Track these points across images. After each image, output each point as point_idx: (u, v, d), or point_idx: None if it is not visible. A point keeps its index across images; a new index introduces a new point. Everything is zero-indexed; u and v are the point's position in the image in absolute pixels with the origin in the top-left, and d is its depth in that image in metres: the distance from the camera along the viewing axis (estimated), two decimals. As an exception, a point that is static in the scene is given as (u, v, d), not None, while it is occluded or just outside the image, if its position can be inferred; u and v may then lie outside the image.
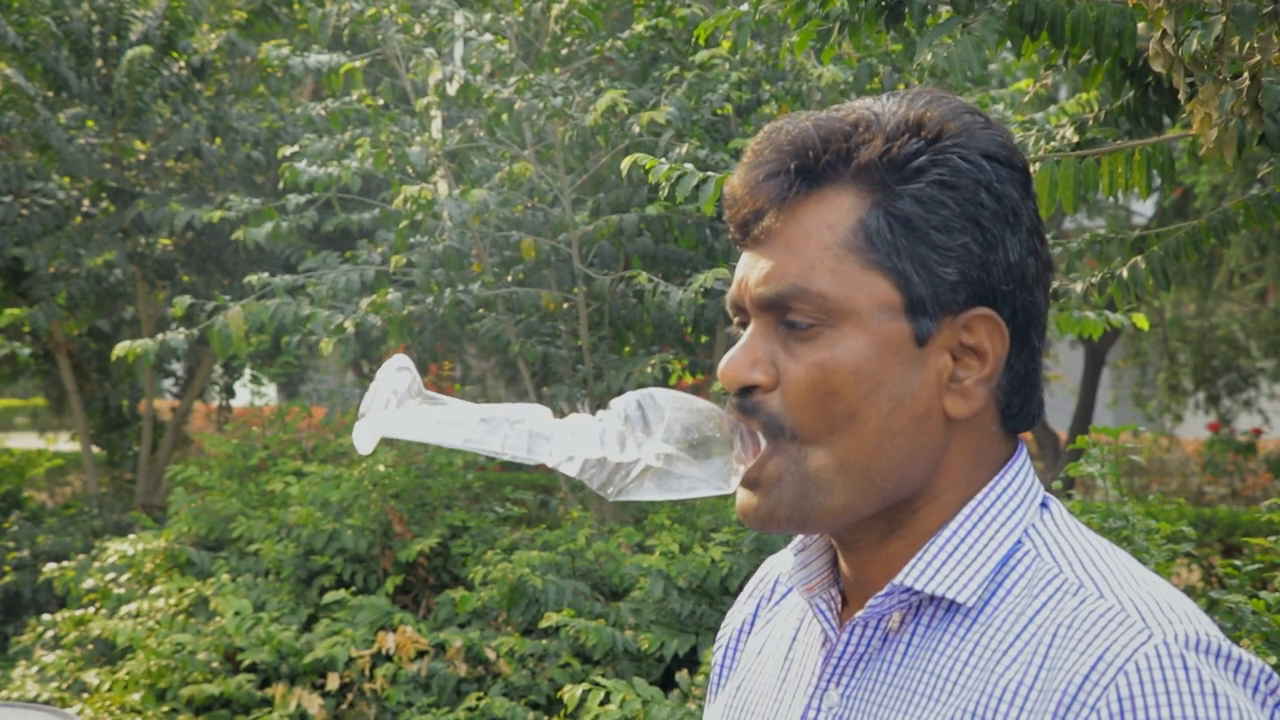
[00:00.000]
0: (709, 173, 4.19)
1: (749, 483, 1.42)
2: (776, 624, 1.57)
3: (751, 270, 1.42)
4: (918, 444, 1.38)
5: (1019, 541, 1.39)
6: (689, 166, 4.22)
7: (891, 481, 1.38)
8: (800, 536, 1.51)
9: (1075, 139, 4.22)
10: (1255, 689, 1.27)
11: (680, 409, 1.40)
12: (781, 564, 1.63)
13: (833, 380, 1.36)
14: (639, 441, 1.38)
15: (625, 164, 4.58)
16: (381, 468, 6.93)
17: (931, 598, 1.39)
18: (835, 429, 1.37)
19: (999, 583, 1.38)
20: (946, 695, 1.34)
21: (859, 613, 1.41)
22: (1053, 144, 4.25)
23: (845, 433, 1.37)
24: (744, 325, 1.44)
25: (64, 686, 6.42)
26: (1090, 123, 4.29)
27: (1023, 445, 1.46)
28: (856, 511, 1.39)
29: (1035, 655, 1.32)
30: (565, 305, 7.08)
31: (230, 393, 12.22)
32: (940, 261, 1.36)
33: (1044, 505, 1.43)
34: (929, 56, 3.91)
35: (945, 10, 3.97)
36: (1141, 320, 5.26)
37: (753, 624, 1.63)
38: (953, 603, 1.38)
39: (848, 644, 1.42)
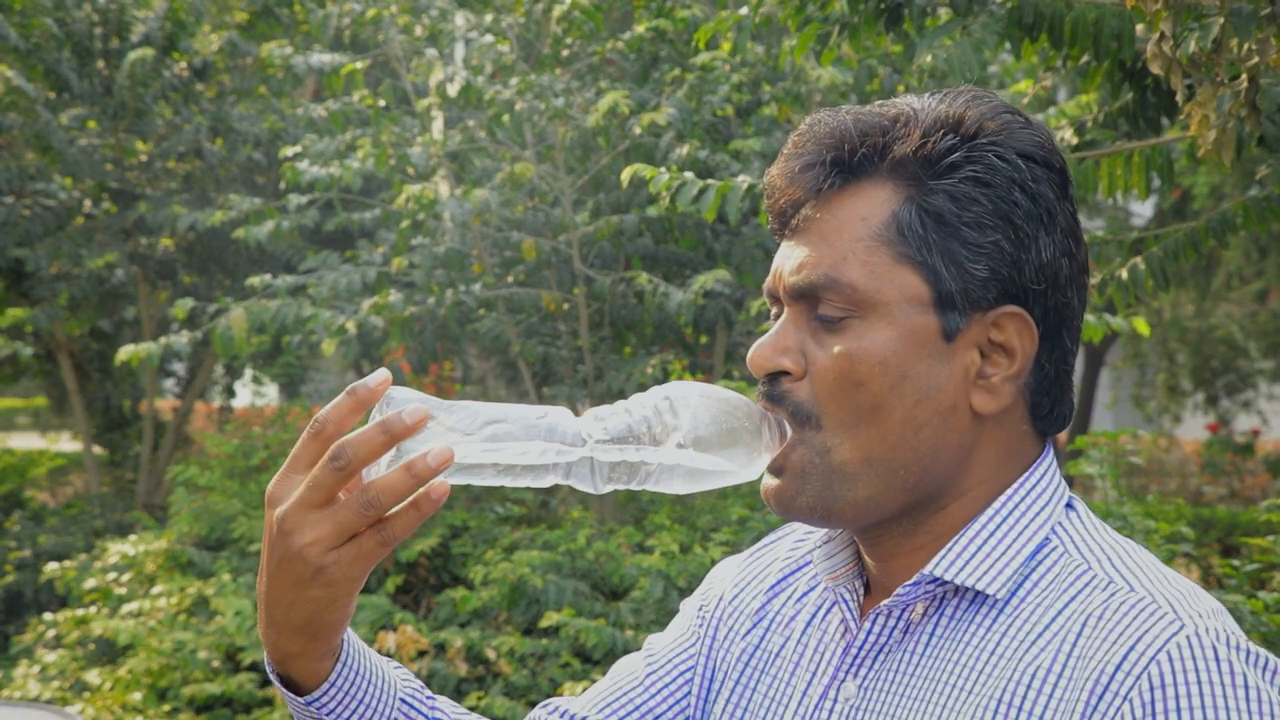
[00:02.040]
0: (709, 181, 4.20)
1: (774, 470, 1.43)
2: (787, 605, 1.57)
3: (786, 260, 1.43)
4: (942, 438, 1.39)
5: (1046, 538, 1.41)
6: (689, 175, 4.22)
7: (915, 474, 1.39)
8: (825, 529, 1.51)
9: (1074, 141, 4.24)
10: None
11: (708, 399, 1.41)
12: (783, 545, 1.64)
13: (859, 370, 1.38)
14: (668, 429, 1.39)
15: (625, 175, 4.59)
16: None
17: (957, 589, 1.41)
18: (860, 419, 1.38)
19: (1026, 576, 1.39)
20: (974, 684, 1.35)
21: (884, 601, 1.42)
22: (1052, 145, 4.25)
23: (870, 424, 1.38)
24: (779, 315, 1.45)
25: (65, 686, 6.43)
26: (1089, 124, 4.31)
27: (1049, 446, 1.47)
28: (879, 504, 1.40)
29: (1064, 644, 1.33)
30: (566, 306, 7.09)
31: (231, 393, 12.24)
32: (971, 258, 1.37)
33: (1069, 505, 1.44)
34: (929, 58, 3.92)
35: (945, 12, 3.98)
36: (1142, 325, 5.27)
37: (746, 585, 1.62)
38: (979, 594, 1.39)
39: (869, 634, 1.43)
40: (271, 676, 1.43)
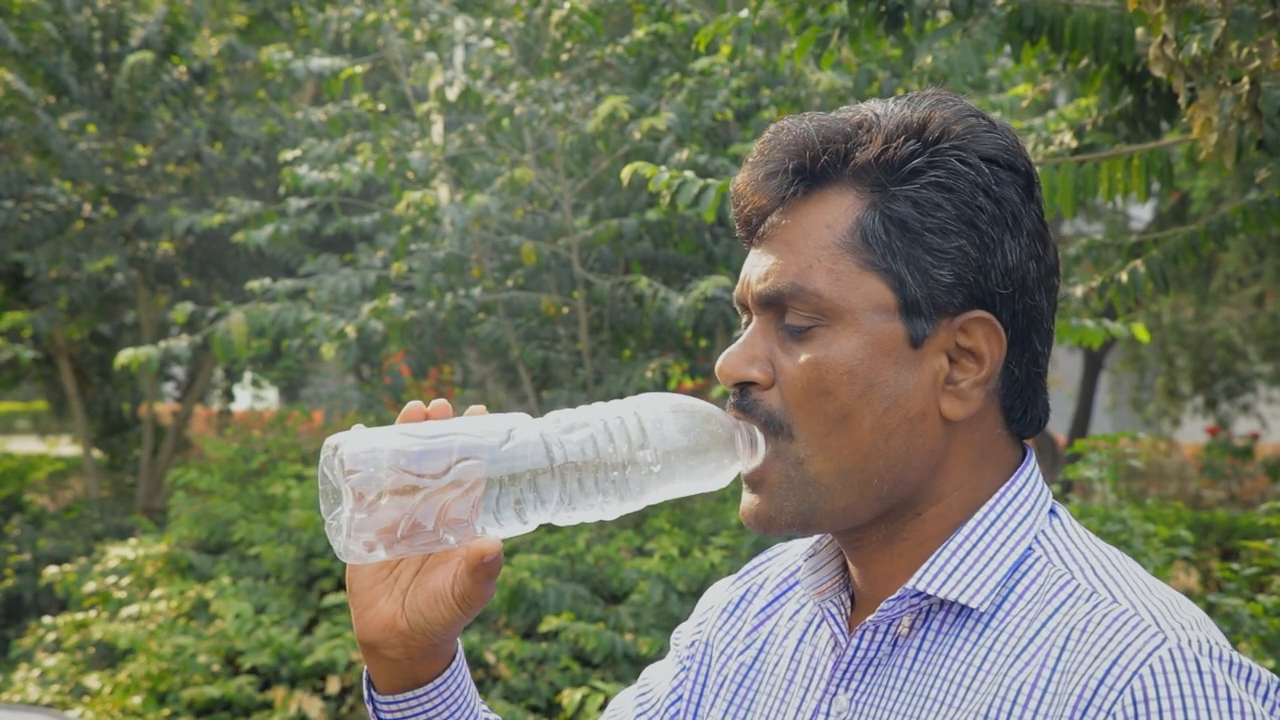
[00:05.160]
0: (709, 180, 4.20)
1: (752, 484, 1.42)
2: (780, 624, 1.57)
3: (754, 268, 1.43)
4: (913, 445, 1.39)
5: (1029, 548, 1.40)
6: (689, 175, 4.22)
7: (888, 482, 1.39)
8: (812, 541, 1.51)
9: (1074, 144, 4.24)
10: (1265, 697, 1.28)
11: (678, 413, 1.40)
12: (775, 566, 1.64)
13: (827, 379, 1.37)
14: (634, 446, 1.38)
15: (626, 173, 4.59)
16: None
17: (943, 603, 1.40)
18: (830, 429, 1.38)
19: (1010, 588, 1.39)
20: (960, 700, 1.35)
21: (869, 617, 1.42)
22: (1051, 149, 4.27)
23: (840, 433, 1.38)
24: (749, 323, 1.44)
25: (65, 690, 6.43)
26: (1089, 128, 4.31)
27: (1031, 451, 1.46)
28: (856, 513, 1.40)
29: (1049, 658, 1.32)
30: (565, 310, 7.09)
31: (231, 396, 12.25)
32: (935, 264, 1.37)
33: (1052, 512, 1.43)
34: (929, 60, 3.93)
35: (945, 15, 3.99)
36: (1141, 331, 5.27)
37: (736, 607, 1.62)
38: (964, 608, 1.39)
39: (858, 649, 1.43)
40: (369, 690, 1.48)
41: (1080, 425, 14.27)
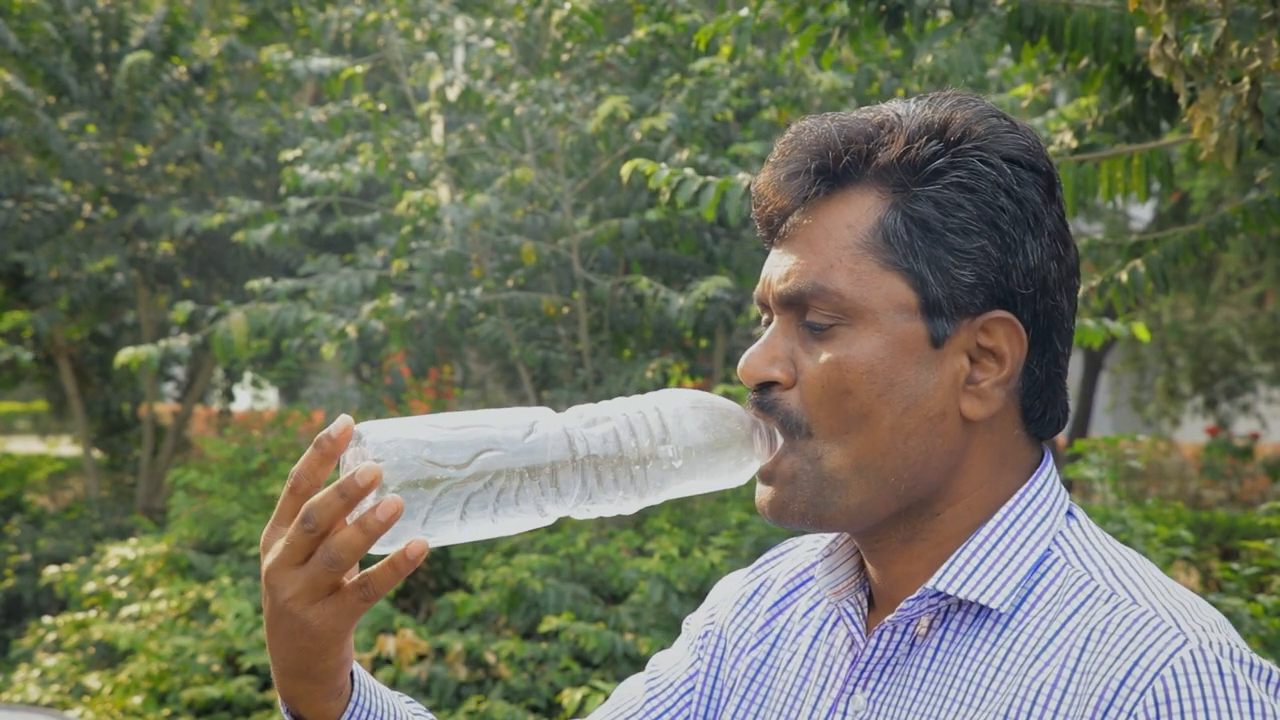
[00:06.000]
0: (709, 178, 4.19)
1: (765, 477, 1.43)
2: (793, 620, 1.57)
3: (775, 268, 1.43)
4: (932, 444, 1.39)
5: (1048, 549, 1.40)
6: (689, 172, 4.21)
7: (906, 481, 1.39)
8: (828, 541, 1.51)
9: (1074, 144, 4.24)
10: None
11: (698, 408, 1.41)
12: (785, 563, 1.63)
13: (847, 379, 1.37)
14: (656, 440, 1.39)
15: (626, 169, 4.58)
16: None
17: (961, 603, 1.40)
18: (850, 427, 1.38)
19: (1029, 589, 1.39)
20: (979, 701, 1.35)
21: (888, 616, 1.42)
22: (1051, 149, 4.27)
23: (859, 431, 1.38)
24: (770, 323, 1.45)
25: (65, 690, 6.43)
26: (1089, 128, 4.31)
27: (1049, 452, 1.46)
28: (872, 511, 1.40)
29: (1068, 659, 1.32)
30: (565, 310, 7.09)
31: (231, 396, 12.26)
32: (957, 264, 1.37)
33: (1070, 514, 1.43)
34: (929, 59, 3.93)
35: (945, 15, 3.99)
36: (1142, 331, 5.26)
37: (749, 600, 1.62)
38: (983, 608, 1.39)
39: (875, 648, 1.43)
40: (286, 717, 1.45)
41: (1080, 425, 14.28)
